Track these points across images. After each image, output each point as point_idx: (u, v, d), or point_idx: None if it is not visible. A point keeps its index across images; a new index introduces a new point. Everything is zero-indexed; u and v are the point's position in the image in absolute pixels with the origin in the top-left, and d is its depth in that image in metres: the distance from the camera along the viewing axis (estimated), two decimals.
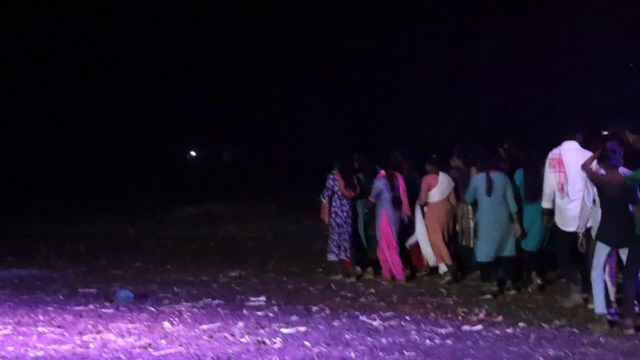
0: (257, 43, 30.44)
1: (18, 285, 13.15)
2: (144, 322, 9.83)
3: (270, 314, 10.30)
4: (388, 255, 12.60)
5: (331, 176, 12.96)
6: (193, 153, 29.83)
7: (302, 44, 29.75)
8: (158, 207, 25.45)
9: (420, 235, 12.57)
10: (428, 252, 12.53)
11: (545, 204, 10.75)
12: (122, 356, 8.18)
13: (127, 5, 29.95)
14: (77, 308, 10.93)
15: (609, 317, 9.19)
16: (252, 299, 11.42)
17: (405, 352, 8.16)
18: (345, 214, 12.93)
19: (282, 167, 31.02)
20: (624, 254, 9.24)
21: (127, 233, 19.90)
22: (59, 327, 9.65)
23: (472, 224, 12.00)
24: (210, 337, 8.98)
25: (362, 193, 13.00)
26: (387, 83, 29.49)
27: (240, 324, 9.65)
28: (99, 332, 9.33)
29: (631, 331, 8.89)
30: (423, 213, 12.61)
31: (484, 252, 11.34)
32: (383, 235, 12.60)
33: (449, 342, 8.60)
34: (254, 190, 28.39)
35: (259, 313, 10.36)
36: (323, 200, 13.05)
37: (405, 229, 12.87)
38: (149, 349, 8.48)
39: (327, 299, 11.35)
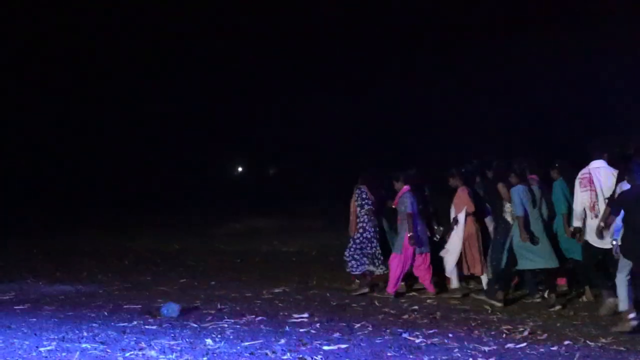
0: (309, 64, 30.38)
1: (63, 301, 13.28)
2: (187, 339, 9.90)
3: (313, 331, 10.31)
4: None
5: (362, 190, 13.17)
6: (240, 169, 29.99)
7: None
8: (203, 222, 25.63)
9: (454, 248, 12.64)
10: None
11: (577, 223, 11.00)
12: None
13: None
14: (121, 324, 11.03)
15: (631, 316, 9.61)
16: (295, 315, 11.44)
17: None
18: (373, 228, 13.16)
19: (327, 181, 30.99)
20: None
21: (171, 248, 20.05)
22: (102, 343, 9.75)
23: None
24: (252, 354, 9.03)
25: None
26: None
27: (282, 341, 9.68)
28: (141, 348, 9.40)
29: None
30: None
31: (527, 261, 11.48)
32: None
33: None
34: (299, 205, 28.47)
35: (301, 330, 10.38)
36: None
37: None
38: None
39: (370, 315, 11.32)
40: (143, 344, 9.63)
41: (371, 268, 13.24)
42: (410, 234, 12.49)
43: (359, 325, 10.61)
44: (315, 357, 8.80)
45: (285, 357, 8.86)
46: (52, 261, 17.63)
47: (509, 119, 26.87)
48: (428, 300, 12.31)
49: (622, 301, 9.89)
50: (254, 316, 11.47)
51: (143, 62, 30.63)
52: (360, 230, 13.22)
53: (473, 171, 13.06)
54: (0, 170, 27.83)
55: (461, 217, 12.52)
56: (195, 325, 10.84)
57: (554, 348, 9.05)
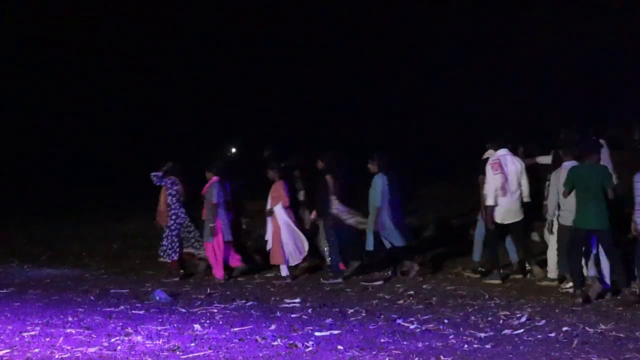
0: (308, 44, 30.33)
1: (49, 285, 13.52)
2: (174, 324, 10.05)
3: (304, 317, 10.47)
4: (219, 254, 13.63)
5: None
6: (234, 150, 29.99)
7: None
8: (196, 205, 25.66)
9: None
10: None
11: (490, 202, 12.37)
12: (149, 359, 8.39)
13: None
14: (107, 309, 11.23)
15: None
16: (287, 300, 11.60)
17: (442, 356, 8.26)
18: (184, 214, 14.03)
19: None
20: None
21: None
22: (87, 328, 9.90)
23: None
24: (241, 340, 9.18)
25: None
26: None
27: (273, 326, 9.83)
28: (127, 334, 9.56)
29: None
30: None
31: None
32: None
33: (487, 346, 8.67)
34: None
35: (293, 315, 10.54)
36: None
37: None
38: (177, 352, 8.70)
39: (364, 301, 11.45)
40: (129, 329, 9.78)
41: (190, 250, 14.04)
42: (211, 224, 13.48)
43: (352, 310, 10.74)
44: (306, 343, 8.93)
45: (275, 343, 9.00)
46: (37, 245, 17.81)
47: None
48: (424, 286, 12.38)
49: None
50: (244, 301, 11.64)
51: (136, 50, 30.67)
52: (174, 217, 13.89)
53: (292, 165, 14.25)
54: None
55: (277, 209, 13.45)
56: (184, 310, 11.01)
57: (552, 334, 9.13)
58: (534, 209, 12.71)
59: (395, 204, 13.00)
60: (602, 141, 12.64)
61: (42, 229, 19.64)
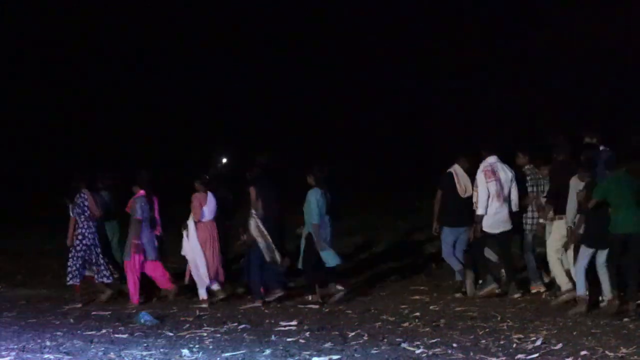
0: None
1: (25, 307, 13.43)
2: (160, 349, 9.91)
3: (302, 340, 10.30)
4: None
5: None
6: (224, 160, 29.85)
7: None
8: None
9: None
10: None
11: (481, 211, 12.66)
12: None
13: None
14: (88, 333, 11.10)
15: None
16: (282, 323, 11.43)
17: None
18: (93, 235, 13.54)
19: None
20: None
21: None
22: (67, 353, 9.78)
23: None
24: None
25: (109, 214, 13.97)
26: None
27: (267, 351, 9.65)
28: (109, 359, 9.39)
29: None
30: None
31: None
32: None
33: None
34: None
35: (289, 339, 10.35)
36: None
37: None
38: None
39: (366, 323, 11.27)
40: (112, 355, 9.63)
41: (90, 274, 13.64)
42: (136, 241, 13.21)
43: (353, 334, 10.55)
44: None
45: None
46: (11, 262, 17.66)
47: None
48: (431, 307, 12.25)
49: (579, 286, 11.41)
50: (236, 324, 11.47)
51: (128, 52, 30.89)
52: (80, 237, 13.44)
53: (217, 175, 14.53)
54: None
55: (190, 224, 13.38)
56: (171, 334, 10.86)
57: (570, 359, 8.93)
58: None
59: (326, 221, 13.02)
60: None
61: (15, 244, 19.41)
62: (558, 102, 22.95)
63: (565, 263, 12.27)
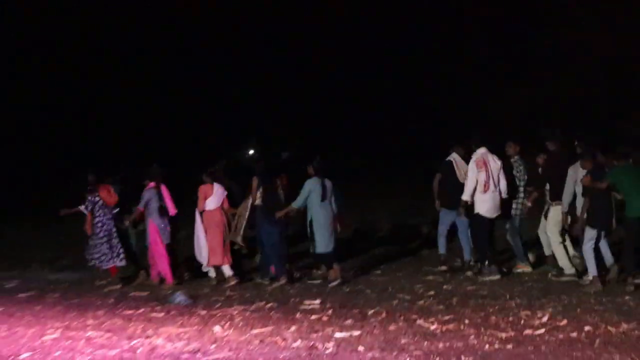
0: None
1: (68, 289, 13.58)
2: (194, 326, 10.04)
3: (325, 318, 10.40)
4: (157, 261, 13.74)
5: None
6: (251, 152, 29.84)
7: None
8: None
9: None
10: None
11: (466, 197, 13.08)
12: None
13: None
14: (127, 312, 11.24)
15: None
16: (307, 302, 11.55)
17: (462, 357, 8.16)
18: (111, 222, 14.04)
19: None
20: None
21: (180, 235, 20.03)
22: (107, 331, 9.90)
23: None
24: (261, 341, 9.12)
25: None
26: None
27: (293, 328, 9.77)
28: (147, 336, 9.54)
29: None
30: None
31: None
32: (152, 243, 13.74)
33: (509, 346, 8.57)
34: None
35: (313, 317, 10.46)
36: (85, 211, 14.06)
37: None
38: (198, 354, 8.65)
39: (384, 301, 11.39)
40: (150, 331, 9.77)
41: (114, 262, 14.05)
42: (126, 222, 13.89)
43: (372, 311, 10.67)
44: (326, 344, 8.86)
45: (295, 344, 8.93)
46: (56, 247, 17.84)
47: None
48: (445, 286, 12.35)
49: (591, 268, 11.71)
50: (264, 303, 11.60)
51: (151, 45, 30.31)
52: (99, 225, 13.91)
53: (223, 168, 14.43)
54: None
55: (196, 213, 13.75)
56: (204, 313, 10.98)
57: (574, 334, 9.01)
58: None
59: (329, 211, 13.23)
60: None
61: (60, 230, 19.61)
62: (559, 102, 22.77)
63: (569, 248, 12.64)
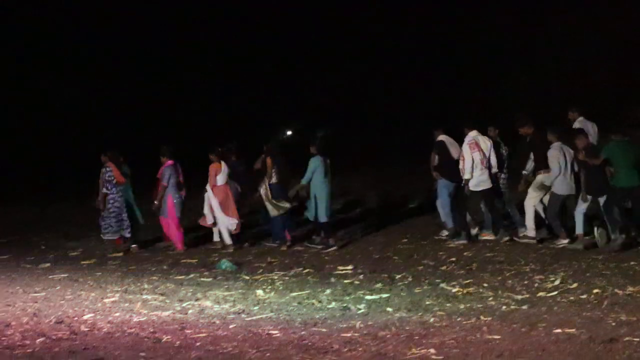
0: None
1: (126, 257, 13.73)
2: (239, 290, 10.22)
3: (356, 282, 10.57)
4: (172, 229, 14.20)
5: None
6: (289, 132, 29.74)
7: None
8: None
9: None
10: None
11: (467, 175, 13.31)
12: (217, 321, 8.55)
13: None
14: (179, 277, 11.44)
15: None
16: (340, 267, 11.71)
17: (481, 317, 8.27)
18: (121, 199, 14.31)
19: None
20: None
21: None
22: (161, 294, 10.12)
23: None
24: (299, 303, 9.32)
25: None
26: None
27: (328, 291, 9.94)
28: (197, 299, 9.74)
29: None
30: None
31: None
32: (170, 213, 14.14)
33: (524, 307, 8.67)
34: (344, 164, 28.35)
35: (346, 281, 10.64)
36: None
37: None
38: (242, 314, 8.84)
39: (410, 267, 11.52)
40: (199, 295, 9.96)
41: (122, 233, 14.35)
42: (155, 202, 14.07)
43: (399, 276, 10.82)
44: (358, 305, 9.03)
45: (330, 306, 9.11)
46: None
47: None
48: (465, 253, 12.42)
49: (579, 226, 12.33)
50: (301, 269, 11.77)
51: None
52: (111, 201, 14.19)
53: (232, 149, 14.87)
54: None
55: (208, 188, 14.03)
56: (247, 278, 11.17)
57: (584, 296, 9.07)
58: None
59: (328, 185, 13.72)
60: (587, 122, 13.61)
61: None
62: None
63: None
